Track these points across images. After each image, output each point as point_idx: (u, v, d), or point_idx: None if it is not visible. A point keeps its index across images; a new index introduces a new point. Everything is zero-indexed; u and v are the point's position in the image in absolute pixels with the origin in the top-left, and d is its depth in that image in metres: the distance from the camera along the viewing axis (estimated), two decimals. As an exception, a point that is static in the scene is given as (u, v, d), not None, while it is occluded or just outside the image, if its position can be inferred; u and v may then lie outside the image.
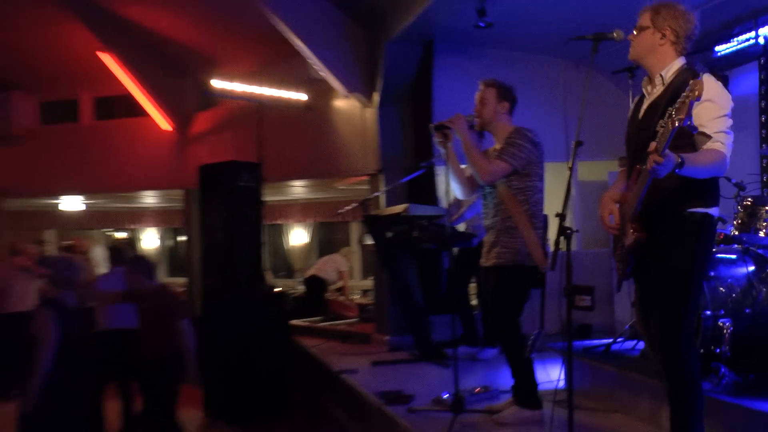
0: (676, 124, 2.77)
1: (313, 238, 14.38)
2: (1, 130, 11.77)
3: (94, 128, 11.87)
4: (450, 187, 4.75)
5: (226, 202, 8.04)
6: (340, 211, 8.61)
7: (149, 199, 13.92)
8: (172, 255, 16.82)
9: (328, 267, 11.46)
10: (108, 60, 10.40)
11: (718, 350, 4.06)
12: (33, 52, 10.98)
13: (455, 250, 6.77)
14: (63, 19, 9.98)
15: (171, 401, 5.92)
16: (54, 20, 10.08)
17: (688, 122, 2.83)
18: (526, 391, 4.49)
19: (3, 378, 9.40)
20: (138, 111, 11.17)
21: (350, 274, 13.15)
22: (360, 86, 7.84)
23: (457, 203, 6.55)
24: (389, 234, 6.55)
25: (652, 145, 2.86)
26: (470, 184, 4.68)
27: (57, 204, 14.38)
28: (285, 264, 14.98)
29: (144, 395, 6.04)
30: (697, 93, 2.76)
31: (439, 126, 4.51)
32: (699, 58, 6.09)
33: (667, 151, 2.84)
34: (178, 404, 6.02)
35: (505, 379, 5.14)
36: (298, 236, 14.45)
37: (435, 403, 4.89)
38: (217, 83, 8.46)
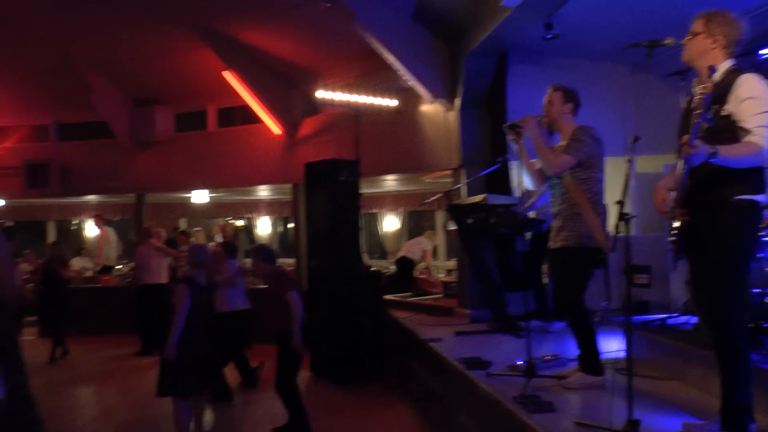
0: (697, 120, 2.79)
1: (403, 224, 14.44)
2: (146, 137, 12.25)
3: (218, 134, 12.19)
4: (522, 179, 4.74)
5: (328, 195, 8.15)
6: (426, 200, 8.64)
7: (263, 192, 14.19)
8: (282, 240, 17.13)
9: (414, 248, 11.53)
10: (230, 77, 10.65)
11: (765, 324, 3.94)
12: (170, 73, 11.47)
13: (528, 234, 6.71)
14: (194, 46, 10.39)
15: (295, 366, 6.04)
16: (186, 47, 10.51)
17: (708, 116, 2.86)
18: (590, 359, 4.43)
19: (142, 336, 9.92)
20: (254, 119, 11.41)
21: (434, 255, 13.20)
22: (443, 93, 7.82)
23: (528, 193, 6.49)
24: (470, 220, 6.54)
25: (684, 137, 2.86)
26: (540, 175, 4.65)
27: (188, 197, 14.82)
28: (379, 247, 15.08)
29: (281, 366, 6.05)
30: (708, 90, 2.80)
31: (512, 125, 4.51)
32: (746, 60, 5.86)
33: (697, 141, 2.82)
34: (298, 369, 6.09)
35: (571, 349, 5.06)
36: (390, 223, 14.54)
37: (510, 368, 4.85)
38: (320, 93, 8.57)
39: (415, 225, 14.67)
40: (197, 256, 5.92)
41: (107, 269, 12.76)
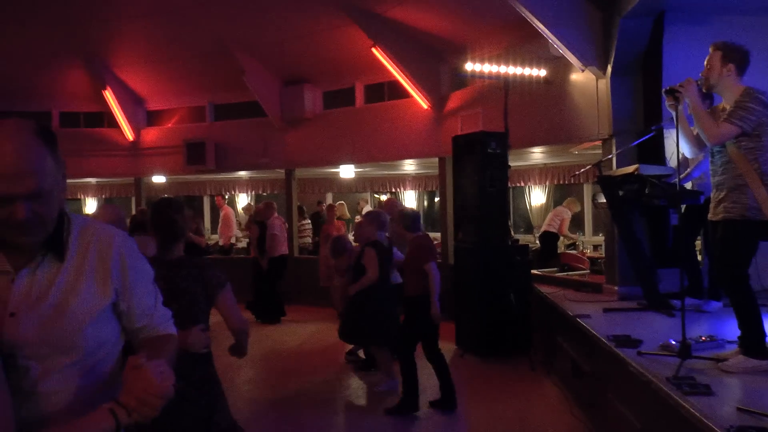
0: None
1: (549, 198, 14.16)
2: (296, 115, 12.66)
3: (366, 110, 12.37)
4: (678, 148, 4.50)
5: (476, 167, 8.15)
6: (577, 172, 8.42)
7: (409, 166, 14.32)
8: (428, 214, 17.27)
9: (554, 220, 11.32)
10: (377, 53, 10.79)
11: None
12: (318, 53, 11.78)
13: (683, 206, 6.41)
14: (341, 24, 10.62)
15: (432, 332, 6.33)
16: (333, 26, 10.77)
17: None
18: (753, 341, 4.15)
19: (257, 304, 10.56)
20: (401, 94, 11.49)
21: (581, 230, 12.90)
22: (594, 60, 7.55)
23: (685, 162, 6.17)
24: (621, 192, 6.30)
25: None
26: (698, 143, 4.41)
27: (335, 172, 15.24)
28: (525, 221, 14.90)
29: (408, 328, 6.38)
30: None
31: (671, 90, 4.27)
32: None
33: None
34: (437, 336, 6.36)
35: (729, 331, 4.80)
36: (536, 197, 14.30)
37: (662, 348, 4.66)
38: (468, 66, 8.51)
39: (561, 198, 14.32)
40: (381, 218, 6.79)
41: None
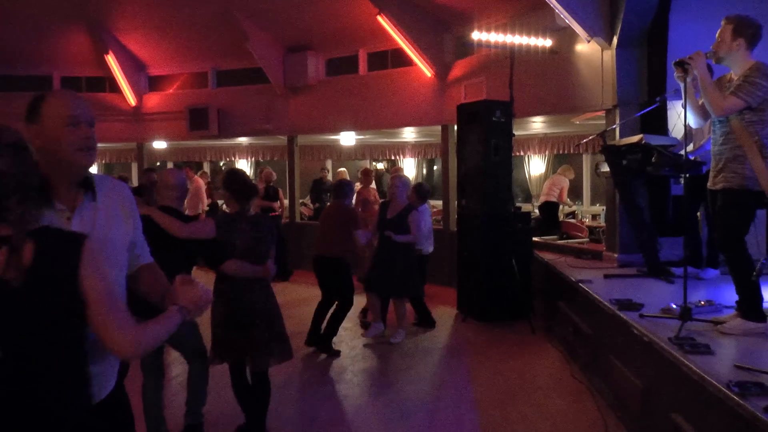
0: None
1: (548, 167, 14.30)
2: (299, 82, 12.70)
3: (369, 78, 12.41)
4: (683, 119, 4.65)
5: (480, 136, 8.25)
6: (581, 141, 8.56)
7: (409, 134, 14.39)
8: (427, 181, 17.39)
9: (552, 190, 11.45)
10: (382, 21, 10.83)
11: None
12: (322, 19, 11.84)
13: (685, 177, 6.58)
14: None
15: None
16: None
17: None
18: (751, 304, 4.35)
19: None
20: (405, 62, 11.54)
21: (579, 199, 13.07)
22: (600, 31, 7.65)
23: (691, 133, 6.31)
24: (624, 162, 6.45)
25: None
26: (703, 114, 4.55)
27: (337, 140, 15.33)
28: (523, 191, 15.05)
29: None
30: None
31: (680, 62, 4.38)
32: None
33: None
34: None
35: (726, 297, 5.00)
36: (536, 166, 14.45)
37: (664, 311, 4.85)
38: (475, 35, 8.58)
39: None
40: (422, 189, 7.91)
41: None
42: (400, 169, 10.06)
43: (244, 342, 4.46)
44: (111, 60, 14.03)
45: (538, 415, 5.21)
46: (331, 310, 7.21)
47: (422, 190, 8.10)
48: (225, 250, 4.42)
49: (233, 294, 4.45)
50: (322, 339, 7.10)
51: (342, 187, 7.56)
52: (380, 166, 17.94)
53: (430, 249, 8.29)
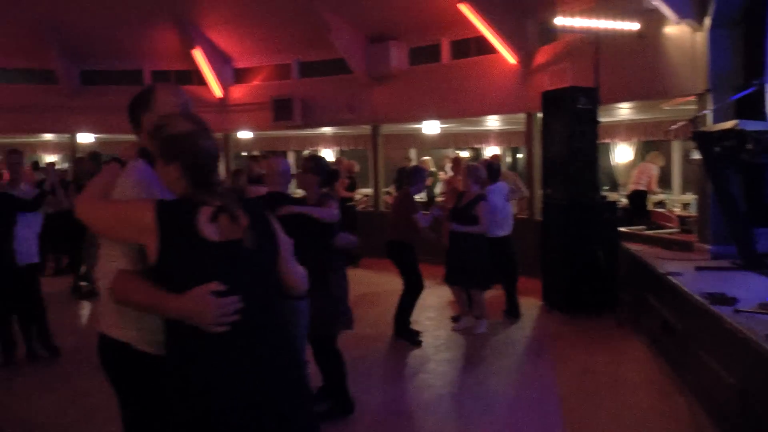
0: None
1: (636, 155, 13.82)
2: (382, 72, 12.74)
3: (452, 66, 12.31)
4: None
5: (565, 123, 8.07)
6: (670, 128, 8.24)
7: (493, 122, 14.22)
8: (511, 170, 17.10)
9: (641, 177, 11.07)
10: (465, 9, 10.71)
11: None
12: (405, 9, 11.84)
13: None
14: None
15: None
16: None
17: None
18: None
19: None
20: (488, 49, 11.37)
21: (669, 187, 12.62)
22: (690, 12, 7.32)
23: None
24: (717, 149, 6.16)
25: None
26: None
27: (419, 128, 15.28)
28: (609, 179, 14.63)
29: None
30: None
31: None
32: None
33: None
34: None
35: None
36: (622, 154, 14.00)
37: (761, 306, 4.60)
38: (559, 20, 8.36)
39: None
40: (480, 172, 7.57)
41: None
42: (499, 157, 10.04)
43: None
44: (198, 54, 14.47)
45: (625, 411, 5.07)
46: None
47: (492, 169, 8.06)
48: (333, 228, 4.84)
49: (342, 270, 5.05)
50: (398, 326, 7.13)
51: (408, 174, 7.64)
52: (464, 154, 17.76)
53: (505, 232, 8.11)
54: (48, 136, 16.79)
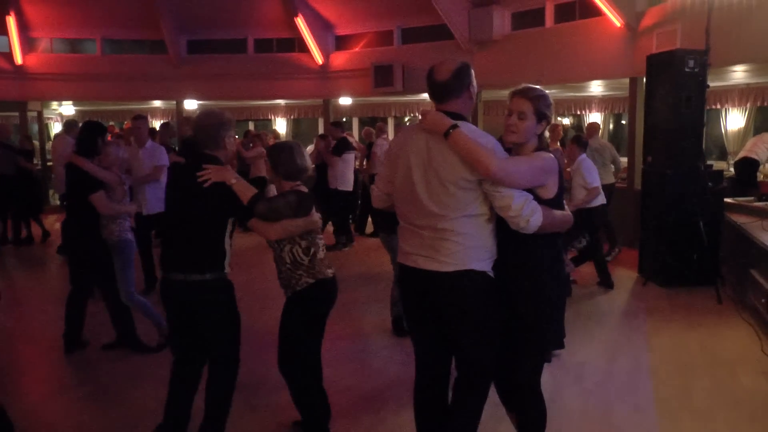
0: None
1: (749, 122, 12.90)
2: (484, 37, 12.45)
3: (555, 30, 11.85)
4: None
5: (671, 88, 7.63)
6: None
7: (595, 87, 13.66)
8: (614, 137, 16.48)
9: (758, 147, 10.30)
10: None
11: None
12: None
13: None
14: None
15: None
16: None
17: None
18: None
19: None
20: (593, 12, 10.86)
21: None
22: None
23: None
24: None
25: None
26: None
27: (520, 94, 14.88)
28: (719, 147, 13.80)
29: None
30: None
31: None
32: None
33: None
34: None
35: None
36: (734, 120, 13.11)
37: None
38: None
39: (763, 122, 13.10)
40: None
41: None
42: (597, 126, 9.66)
43: None
44: (300, 22, 14.62)
45: (720, 391, 4.79)
46: None
47: (581, 141, 7.90)
48: None
49: None
50: None
51: None
52: (566, 121, 17.19)
53: (599, 202, 7.79)
54: (156, 103, 17.42)
